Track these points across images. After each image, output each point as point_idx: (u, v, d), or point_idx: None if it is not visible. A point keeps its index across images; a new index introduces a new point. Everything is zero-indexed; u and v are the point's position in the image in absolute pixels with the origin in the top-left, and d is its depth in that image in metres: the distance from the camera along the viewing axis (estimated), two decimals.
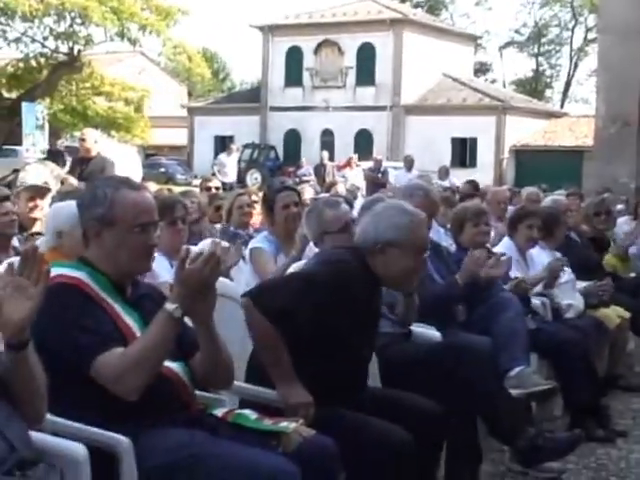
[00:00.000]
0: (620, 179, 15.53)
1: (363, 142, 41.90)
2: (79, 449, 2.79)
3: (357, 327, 3.77)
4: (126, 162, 8.10)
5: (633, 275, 8.20)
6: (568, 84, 58.97)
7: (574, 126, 42.55)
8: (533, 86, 57.55)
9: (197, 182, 24.21)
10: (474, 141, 42.46)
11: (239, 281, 5.39)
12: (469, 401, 4.54)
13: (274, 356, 3.61)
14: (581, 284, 6.89)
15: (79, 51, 31.29)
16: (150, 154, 44.81)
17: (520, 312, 5.42)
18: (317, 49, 45.02)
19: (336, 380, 3.69)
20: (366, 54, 43.83)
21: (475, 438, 4.64)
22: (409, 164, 21.76)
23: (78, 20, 30.52)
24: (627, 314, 7.04)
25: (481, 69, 55.19)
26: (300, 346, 3.61)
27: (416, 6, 56.33)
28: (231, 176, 25.61)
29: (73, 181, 8.52)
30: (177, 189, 12.40)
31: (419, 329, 4.94)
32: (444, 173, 20.77)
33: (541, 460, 4.80)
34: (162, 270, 4.77)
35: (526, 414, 5.08)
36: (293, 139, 45.37)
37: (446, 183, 17.60)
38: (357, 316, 3.74)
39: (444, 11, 60.74)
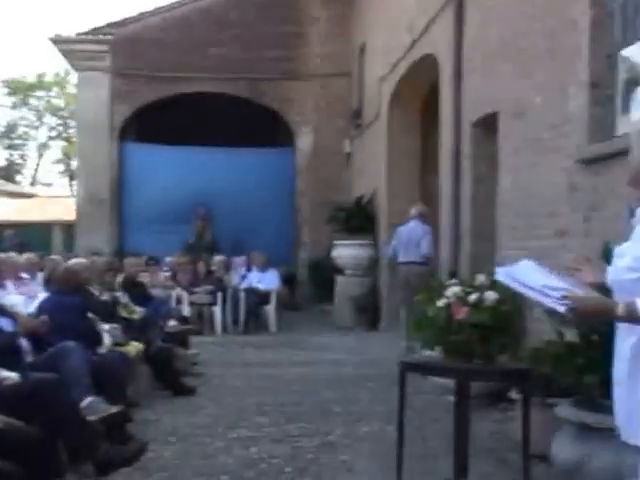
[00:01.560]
0: (99, 245, 15.81)
1: None
2: None
3: None
4: None
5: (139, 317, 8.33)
6: (36, 171, 57.75)
7: (43, 205, 41.52)
8: (7, 172, 55.22)
9: None
10: None
11: None
12: (48, 426, 4.27)
13: None
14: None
15: None
16: None
17: (82, 357, 5.29)
18: None
19: None
20: None
21: (57, 459, 4.35)
22: None
23: None
24: (140, 346, 7.28)
25: None
26: None
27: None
28: None
29: None
30: None
31: None
32: None
33: (115, 468, 4.66)
34: None
35: (100, 434, 4.87)
36: None
37: None
38: None
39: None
